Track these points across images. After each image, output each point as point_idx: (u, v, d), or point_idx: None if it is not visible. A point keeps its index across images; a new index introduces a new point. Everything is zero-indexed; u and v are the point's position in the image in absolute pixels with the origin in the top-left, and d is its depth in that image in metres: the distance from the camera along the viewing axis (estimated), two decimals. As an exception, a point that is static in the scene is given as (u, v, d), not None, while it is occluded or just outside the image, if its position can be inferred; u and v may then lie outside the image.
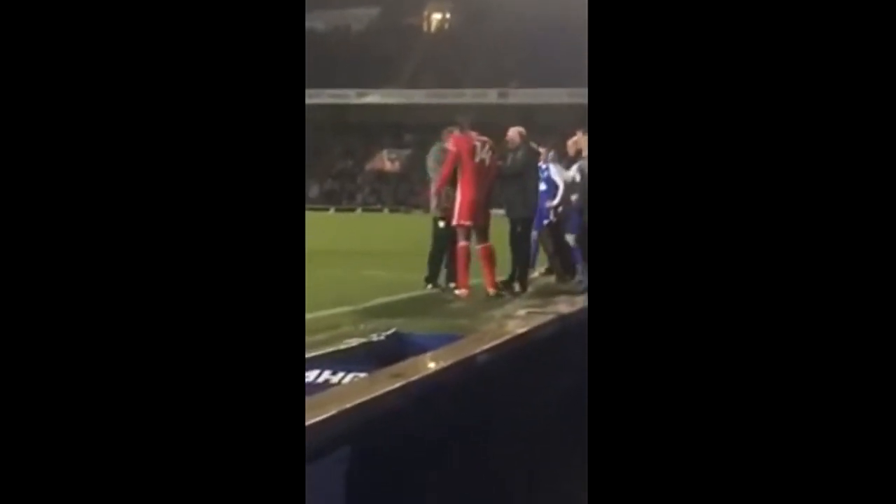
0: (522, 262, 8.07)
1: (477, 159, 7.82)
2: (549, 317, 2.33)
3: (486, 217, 7.96)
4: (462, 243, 7.78)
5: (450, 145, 7.79)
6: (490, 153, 8.02)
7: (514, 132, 8.24)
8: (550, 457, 2.26)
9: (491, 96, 33.95)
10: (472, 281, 7.91)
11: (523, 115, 24.09)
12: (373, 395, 1.40)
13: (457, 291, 7.76)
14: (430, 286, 8.08)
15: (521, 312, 2.52)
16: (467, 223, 7.76)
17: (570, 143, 8.45)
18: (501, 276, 8.07)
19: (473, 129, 8.11)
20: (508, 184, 8.06)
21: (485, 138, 8.05)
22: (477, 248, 7.89)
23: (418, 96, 35.46)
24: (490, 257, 7.88)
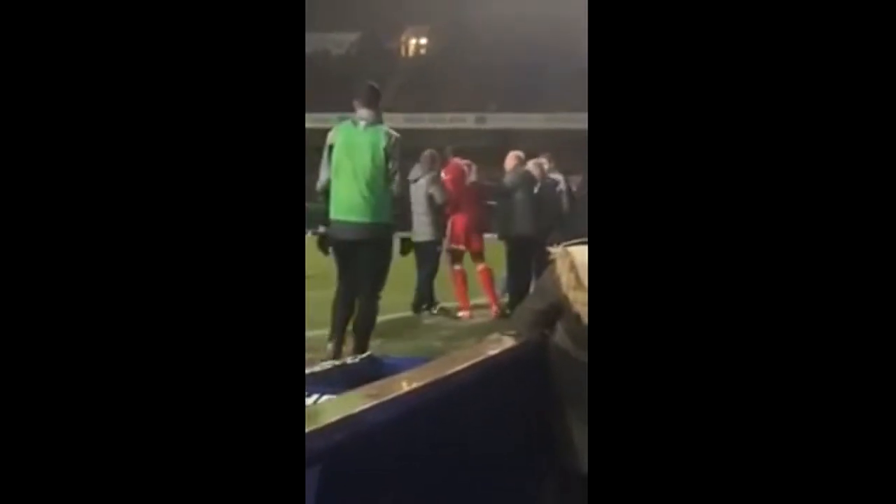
0: (518, 284, 8.10)
1: (468, 183, 8.02)
2: (518, 340, 2.36)
3: (480, 240, 8.12)
4: (457, 267, 7.93)
5: (444, 174, 7.89)
6: (477, 175, 8.23)
7: (511, 156, 8.37)
8: (521, 472, 2.28)
9: (469, 121, 34.07)
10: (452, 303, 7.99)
11: (500, 139, 24.17)
12: (344, 415, 1.42)
13: (460, 314, 7.85)
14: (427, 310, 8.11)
15: (495, 335, 2.54)
16: (461, 247, 7.94)
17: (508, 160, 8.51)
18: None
19: (456, 154, 8.27)
20: (505, 206, 8.13)
21: (468, 161, 8.23)
22: (477, 269, 8.05)
23: (397, 120, 35.50)
24: (491, 279, 8.03)
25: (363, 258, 4.97)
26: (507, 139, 25.71)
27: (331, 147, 4.97)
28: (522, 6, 37.00)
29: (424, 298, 8.21)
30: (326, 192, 5.01)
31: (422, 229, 8.15)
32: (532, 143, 9.49)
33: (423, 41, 43.60)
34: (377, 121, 5.08)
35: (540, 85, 34.79)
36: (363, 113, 5.05)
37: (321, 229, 5.09)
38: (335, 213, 4.98)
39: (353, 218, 4.88)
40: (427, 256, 8.10)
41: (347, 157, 4.92)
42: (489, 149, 8.73)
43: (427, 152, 8.18)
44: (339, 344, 5.00)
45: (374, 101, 5.12)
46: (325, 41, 41.45)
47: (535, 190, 8.17)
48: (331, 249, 5.09)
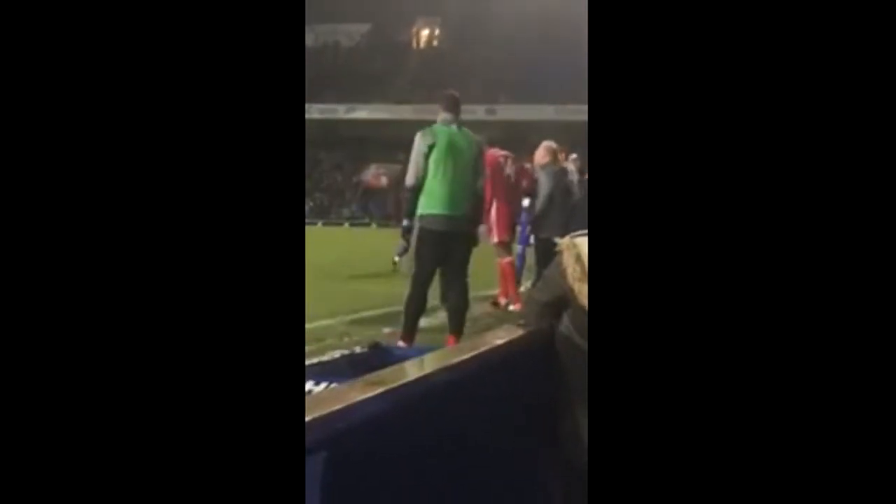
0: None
1: (505, 174, 7.92)
2: (527, 329, 2.36)
3: (513, 232, 8.11)
4: (506, 259, 7.93)
5: (491, 163, 7.80)
6: (514, 167, 8.11)
7: (543, 148, 7.95)
8: (525, 462, 2.28)
9: (479, 112, 34.10)
10: (480, 293, 7.99)
11: (511, 131, 24.20)
12: (351, 402, 1.43)
13: (512, 307, 7.86)
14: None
15: (504, 326, 2.54)
16: (507, 239, 7.93)
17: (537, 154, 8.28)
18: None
19: (492, 145, 8.10)
20: (536, 201, 7.83)
21: (506, 153, 8.14)
22: (503, 261, 8.04)
23: (407, 112, 35.54)
24: (513, 273, 8.00)
25: (456, 249, 5.47)
26: (518, 131, 25.70)
27: (430, 146, 5.39)
28: (533, -2, 36.92)
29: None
30: (418, 188, 5.41)
31: None
32: (542, 135, 9.44)
33: (434, 33, 43.62)
34: (461, 124, 5.62)
35: (550, 77, 34.75)
36: (448, 117, 5.57)
37: (405, 222, 5.53)
38: (433, 208, 5.38)
39: (450, 212, 5.37)
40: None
41: (450, 157, 5.38)
42: (500, 140, 8.68)
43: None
44: (412, 331, 5.43)
45: (456, 107, 5.64)
46: (335, 33, 41.55)
47: (566, 183, 7.94)
48: (414, 241, 5.43)
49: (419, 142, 5.44)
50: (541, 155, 7.92)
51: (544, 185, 7.72)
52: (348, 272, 10.41)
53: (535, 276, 7.86)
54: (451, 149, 5.39)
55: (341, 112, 37.60)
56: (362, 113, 38.11)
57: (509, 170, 8.13)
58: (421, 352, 2.65)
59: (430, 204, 5.37)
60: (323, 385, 2.63)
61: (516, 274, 8.51)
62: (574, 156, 9.12)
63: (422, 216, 5.39)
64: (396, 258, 10.57)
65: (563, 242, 2.32)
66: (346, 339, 5.75)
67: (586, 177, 8.75)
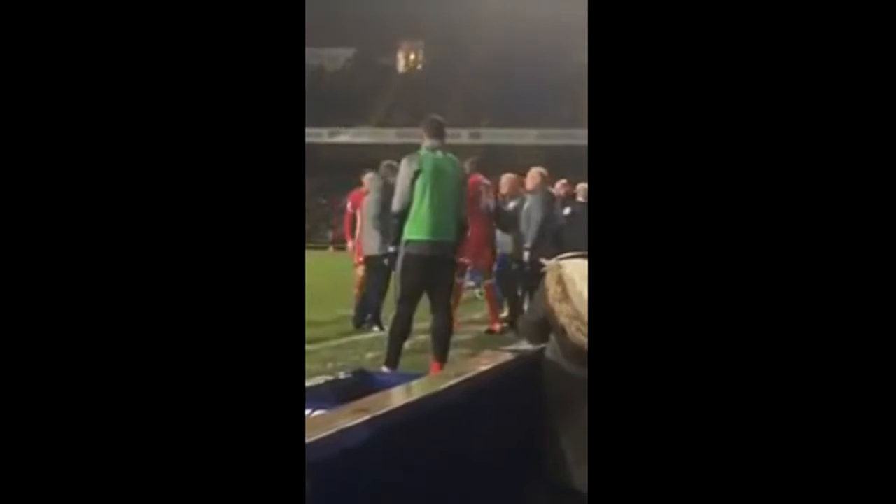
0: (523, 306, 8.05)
1: (482, 205, 7.97)
2: (512, 355, 2.36)
3: (491, 257, 8.15)
4: (459, 280, 8.00)
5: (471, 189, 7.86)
6: (492, 195, 8.19)
7: (534, 173, 8.10)
8: (513, 489, 2.27)
9: (463, 136, 34.21)
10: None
11: (494, 154, 24.29)
12: (335, 430, 1.42)
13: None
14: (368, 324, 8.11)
15: (487, 351, 2.54)
16: (467, 261, 8.02)
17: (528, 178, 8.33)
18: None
19: (478, 169, 8.16)
20: (525, 226, 7.86)
21: (488, 182, 8.21)
22: (483, 284, 8.12)
23: (390, 136, 35.63)
24: (494, 296, 8.05)
25: (440, 274, 5.49)
26: (502, 154, 25.83)
27: (417, 172, 5.38)
28: (515, 24, 37.24)
29: (368, 311, 8.22)
30: (404, 213, 5.40)
31: (370, 243, 8.12)
32: (526, 159, 9.47)
33: (419, 56, 43.89)
34: (445, 149, 5.63)
35: (533, 101, 34.97)
36: (434, 143, 5.56)
37: (391, 249, 5.56)
38: (418, 234, 5.37)
39: (435, 238, 5.39)
40: (375, 271, 8.04)
41: (436, 182, 5.39)
42: (483, 163, 8.67)
43: (384, 163, 8.15)
44: (396, 356, 5.47)
45: (440, 132, 5.65)
46: (320, 57, 41.71)
47: (554, 207, 7.94)
48: (400, 266, 5.43)
49: (405, 167, 5.44)
50: (532, 180, 7.98)
51: (537, 210, 7.74)
52: (331, 296, 10.36)
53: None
54: (437, 174, 5.40)
55: (325, 136, 37.66)
56: (346, 137, 38.21)
57: (488, 199, 8.18)
58: (405, 378, 2.64)
59: (415, 230, 5.37)
60: (307, 411, 2.61)
61: (497, 300, 8.56)
62: (563, 181, 9.23)
63: (407, 242, 5.38)
64: None
65: (549, 264, 2.36)
66: (329, 365, 5.72)
67: (579, 199, 8.84)
